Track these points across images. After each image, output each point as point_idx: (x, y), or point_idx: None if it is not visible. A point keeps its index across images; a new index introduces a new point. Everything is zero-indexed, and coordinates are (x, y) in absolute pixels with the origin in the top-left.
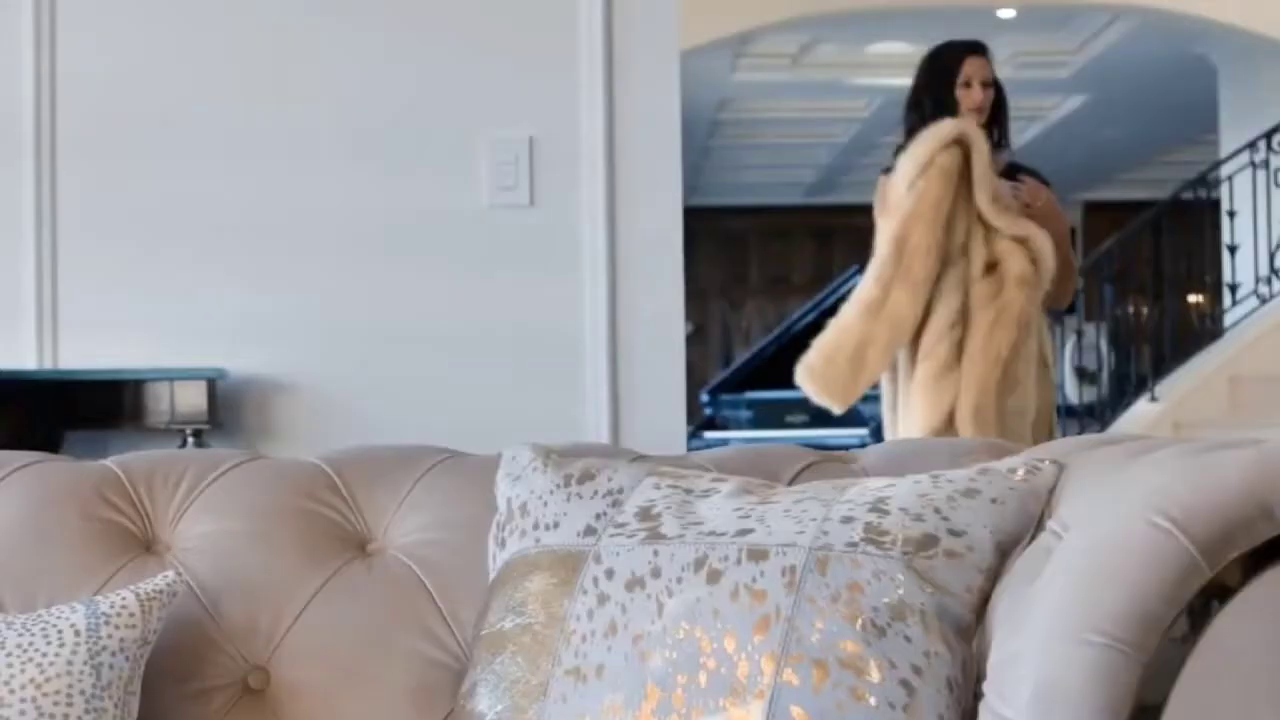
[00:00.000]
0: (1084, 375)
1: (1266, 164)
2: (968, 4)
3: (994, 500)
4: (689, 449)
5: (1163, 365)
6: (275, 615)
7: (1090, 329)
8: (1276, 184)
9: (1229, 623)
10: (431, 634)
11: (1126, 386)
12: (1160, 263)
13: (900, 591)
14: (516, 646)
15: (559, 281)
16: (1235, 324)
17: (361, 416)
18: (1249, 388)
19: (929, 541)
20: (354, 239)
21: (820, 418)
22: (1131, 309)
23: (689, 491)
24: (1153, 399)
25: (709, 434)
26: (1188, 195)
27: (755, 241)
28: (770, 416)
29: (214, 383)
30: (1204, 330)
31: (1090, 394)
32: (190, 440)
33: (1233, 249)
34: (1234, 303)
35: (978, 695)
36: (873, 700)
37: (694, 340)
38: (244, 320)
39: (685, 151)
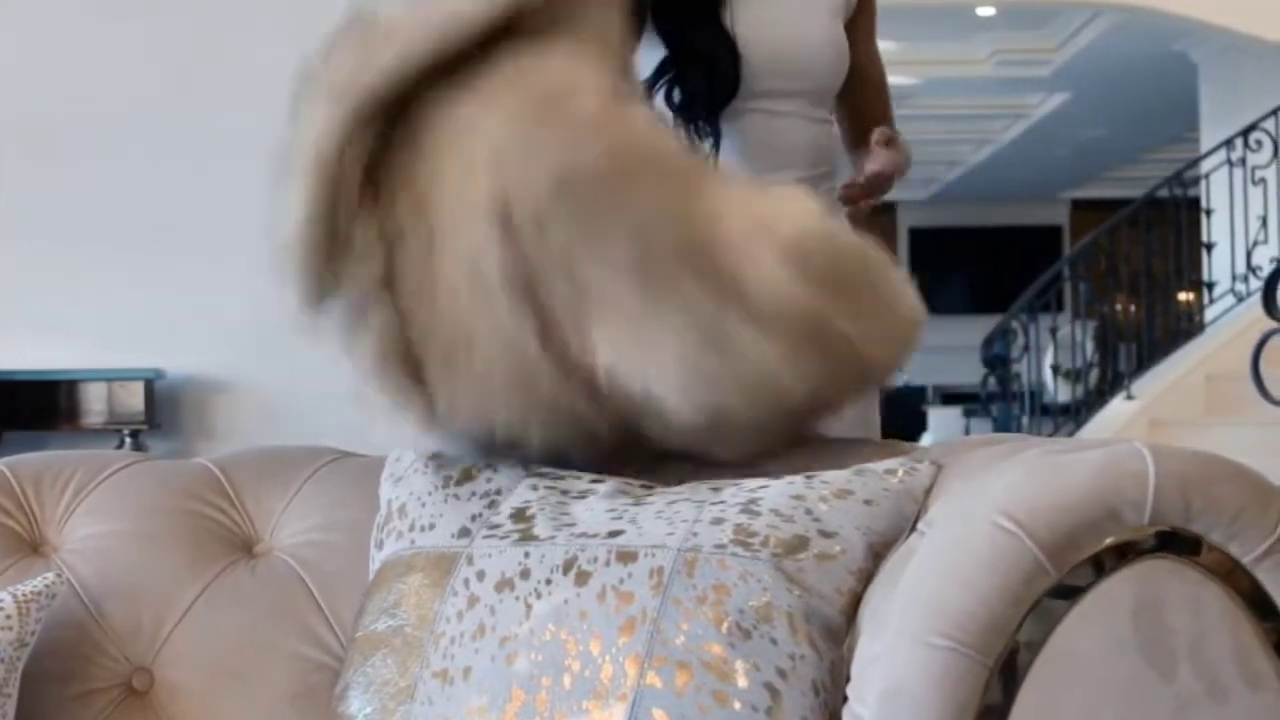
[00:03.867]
0: (1057, 371)
1: (1244, 161)
2: (947, 2)
3: (867, 502)
4: None
5: (1140, 363)
6: (159, 617)
7: (1067, 326)
8: (1253, 182)
9: (1075, 625)
10: (315, 636)
11: (1104, 385)
12: (1137, 261)
13: (767, 594)
14: (388, 648)
15: None
16: (1212, 322)
17: (299, 417)
18: (1225, 386)
19: (799, 543)
20: None
21: None
22: (1117, 307)
23: (565, 493)
24: (1129, 397)
25: None
26: (1164, 193)
27: None
28: None
29: (152, 383)
30: (1180, 329)
31: (1077, 392)
32: (128, 440)
33: (1209, 247)
34: (1210, 301)
35: (848, 698)
36: (737, 704)
37: None
38: (182, 321)
39: None
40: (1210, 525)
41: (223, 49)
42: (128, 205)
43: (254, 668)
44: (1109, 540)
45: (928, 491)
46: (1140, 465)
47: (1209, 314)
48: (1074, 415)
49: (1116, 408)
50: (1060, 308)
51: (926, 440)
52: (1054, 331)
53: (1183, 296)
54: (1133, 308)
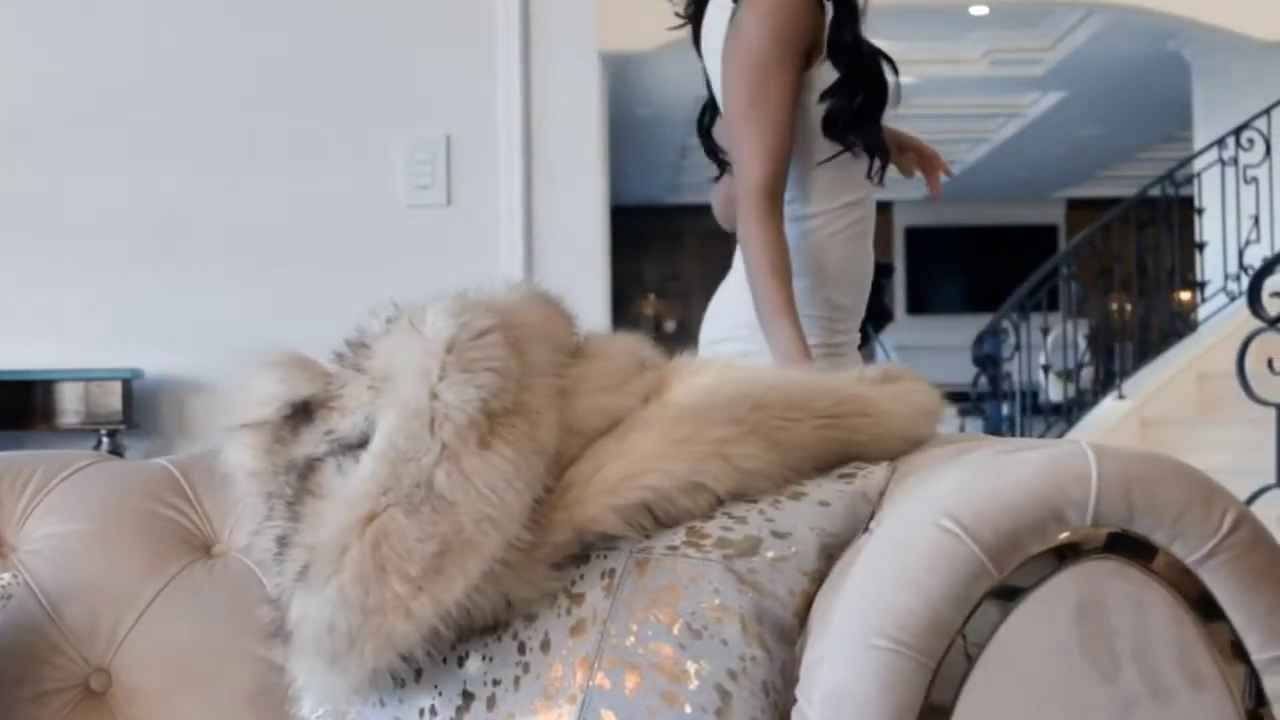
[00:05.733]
0: (1047, 371)
1: (1235, 161)
2: (941, 1)
3: (821, 503)
4: None
5: (1131, 363)
6: (117, 617)
7: (1057, 327)
8: (1245, 181)
9: (1018, 626)
10: None
11: (1097, 384)
12: (1130, 260)
13: (718, 595)
14: None
15: (476, 281)
16: (1205, 321)
17: None
18: (1217, 385)
19: (751, 544)
20: (270, 239)
21: None
22: (1113, 307)
23: None
24: (1120, 396)
25: None
26: (1156, 192)
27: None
28: None
29: (129, 383)
30: (1173, 328)
31: (1070, 391)
32: (105, 440)
33: (1200, 246)
34: (1203, 300)
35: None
36: (686, 706)
37: (677, 337)
38: (160, 321)
39: (665, 150)
40: (1153, 526)
41: (207, 47)
42: (106, 205)
43: (212, 668)
44: (1052, 541)
45: (882, 492)
46: (1083, 466)
47: (1201, 313)
48: (1066, 415)
49: (1108, 407)
50: (1054, 307)
51: None
52: (1045, 331)
53: (1181, 296)
54: (1128, 307)
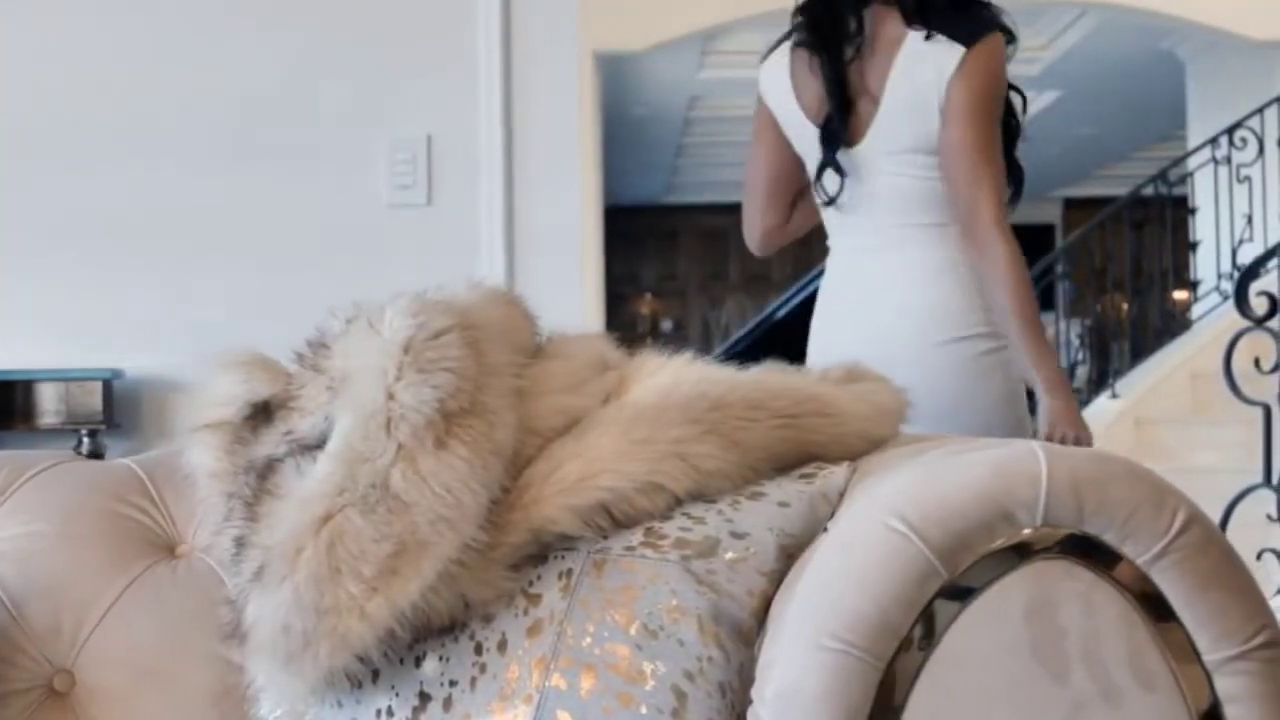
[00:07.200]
0: None
1: (1229, 160)
2: None
3: (781, 503)
4: None
5: (1125, 362)
6: (80, 618)
7: (1052, 326)
8: (1239, 180)
9: (968, 626)
10: None
11: (1091, 384)
12: (1124, 259)
13: (675, 596)
14: None
15: (457, 281)
16: (1198, 320)
17: None
18: (1211, 384)
19: (709, 545)
20: (251, 239)
21: None
22: (1109, 305)
23: None
24: (1113, 396)
25: None
26: (1150, 192)
27: (735, 238)
28: None
29: (110, 383)
30: (1167, 327)
31: None
32: (86, 440)
33: (1194, 245)
34: (1195, 299)
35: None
36: (642, 706)
37: (674, 337)
38: (141, 320)
39: (661, 149)
40: (1104, 526)
41: (191, 48)
42: (87, 205)
43: (175, 669)
44: (1001, 541)
45: (842, 493)
46: (1033, 466)
47: (1194, 312)
48: None
49: (1101, 406)
50: (1048, 306)
51: None
52: None
53: (1175, 295)
54: (1123, 306)
